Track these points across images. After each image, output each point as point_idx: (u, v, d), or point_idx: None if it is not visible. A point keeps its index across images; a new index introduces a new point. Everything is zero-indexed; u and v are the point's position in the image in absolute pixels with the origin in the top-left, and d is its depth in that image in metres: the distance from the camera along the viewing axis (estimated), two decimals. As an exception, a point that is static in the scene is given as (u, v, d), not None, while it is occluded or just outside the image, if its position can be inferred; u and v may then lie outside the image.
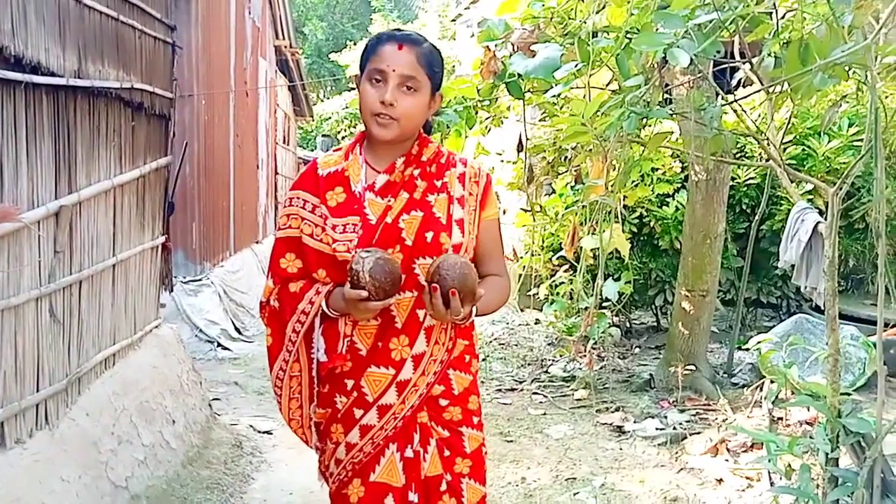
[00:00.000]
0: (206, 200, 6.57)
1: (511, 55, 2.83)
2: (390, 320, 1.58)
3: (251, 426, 4.02)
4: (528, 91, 3.14)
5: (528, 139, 3.58)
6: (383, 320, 1.58)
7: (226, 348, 5.86)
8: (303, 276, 1.62)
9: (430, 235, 1.57)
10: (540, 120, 4.49)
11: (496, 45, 2.91)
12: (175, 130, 3.81)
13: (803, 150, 5.01)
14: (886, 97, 3.82)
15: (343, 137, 18.01)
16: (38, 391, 2.31)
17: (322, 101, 20.80)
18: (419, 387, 1.60)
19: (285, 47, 10.76)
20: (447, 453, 1.63)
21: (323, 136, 18.70)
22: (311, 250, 1.59)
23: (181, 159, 5.04)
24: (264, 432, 3.96)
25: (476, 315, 1.63)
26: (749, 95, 2.95)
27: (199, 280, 6.27)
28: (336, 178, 1.63)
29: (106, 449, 2.59)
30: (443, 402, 1.63)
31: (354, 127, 17.54)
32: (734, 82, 3.44)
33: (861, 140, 4.69)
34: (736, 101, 2.66)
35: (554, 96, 3.19)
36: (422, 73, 1.56)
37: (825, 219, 2.74)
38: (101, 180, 2.79)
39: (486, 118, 3.53)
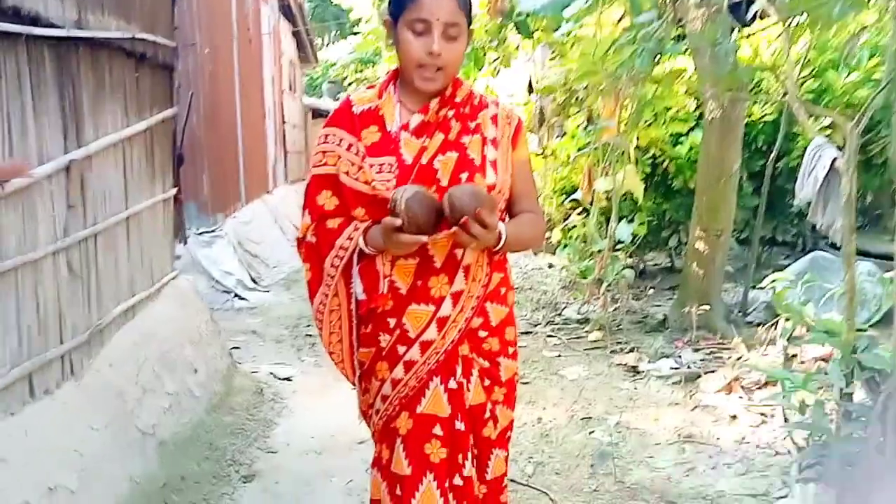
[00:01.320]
0: (214, 152, 6.54)
1: (520, -8, 2.75)
2: (429, 260, 1.60)
3: (271, 373, 4.10)
4: (538, 30, 3.07)
5: (538, 80, 3.51)
6: (422, 260, 1.60)
7: (242, 298, 5.93)
8: (340, 213, 1.63)
9: (464, 176, 1.57)
10: (550, 60, 4.39)
11: (504, -17, 2.83)
12: (180, 81, 3.77)
13: (821, 84, 4.88)
14: (909, 25, 3.69)
15: (350, 83, 17.74)
16: (62, 343, 2.36)
17: (327, 46, 20.43)
18: (458, 322, 1.62)
19: (288, -8, 10.51)
20: (487, 382, 1.69)
21: (329, 82, 18.43)
22: (347, 189, 1.60)
23: (188, 110, 5.00)
24: (284, 379, 4.04)
25: (513, 250, 1.67)
26: (766, 28, 2.86)
27: (213, 231, 6.31)
28: (371, 117, 1.62)
29: (131, 398, 2.66)
30: (482, 334, 1.67)
31: (361, 72, 17.26)
32: (750, 15, 3.33)
33: (881, 73, 4.56)
34: (753, 33, 2.58)
35: (564, 35, 3.11)
36: (462, 18, 1.55)
37: (843, 154, 2.69)
38: (109, 133, 2.77)
39: (495, 59, 3.46)
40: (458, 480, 1.65)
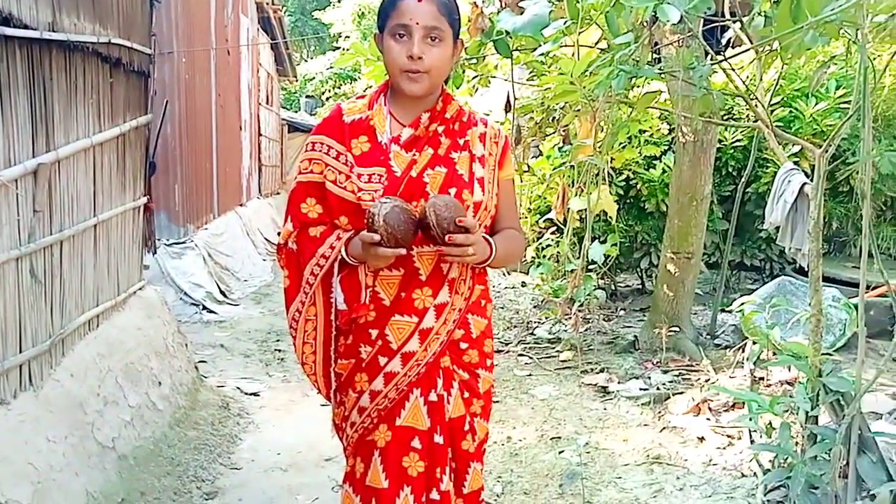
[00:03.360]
0: (188, 162, 6.47)
1: (499, 12, 2.78)
2: (414, 272, 1.60)
3: (238, 388, 4.03)
4: (516, 49, 3.09)
5: (515, 99, 3.53)
6: (407, 272, 1.60)
7: (211, 311, 5.84)
8: (323, 221, 1.64)
9: (453, 192, 1.59)
10: (528, 79, 4.43)
11: (483, 2, 2.85)
12: (155, 89, 3.73)
13: (791, 111, 5.00)
14: (875, 59, 3.80)
15: (328, 98, 17.74)
16: (20, 352, 2.29)
17: (306, 60, 20.42)
18: (441, 335, 1.63)
19: (267, 4, 10.51)
20: (466, 395, 1.70)
21: (307, 97, 18.42)
22: (333, 197, 1.61)
23: (162, 119, 4.95)
24: (251, 394, 3.98)
25: (499, 265, 1.69)
26: (739, 54, 2.92)
27: (183, 243, 6.21)
28: (361, 127, 1.63)
29: (92, 410, 2.59)
30: (463, 346, 1.68)
31: (339, 87, 17.28)
32: (724, 42, 3.41)
33: (848, 103, 4.68)
34: (725, 59, 2.63)
35: (542, 55, 3.14)
36: (444, 23, 1.56)
37: (811, 180, 2.74)
38: (80, 138, 2.72)
39: (474, 77, 3.48)
40: (434, 495, 1.64)
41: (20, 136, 2.30)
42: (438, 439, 1.64)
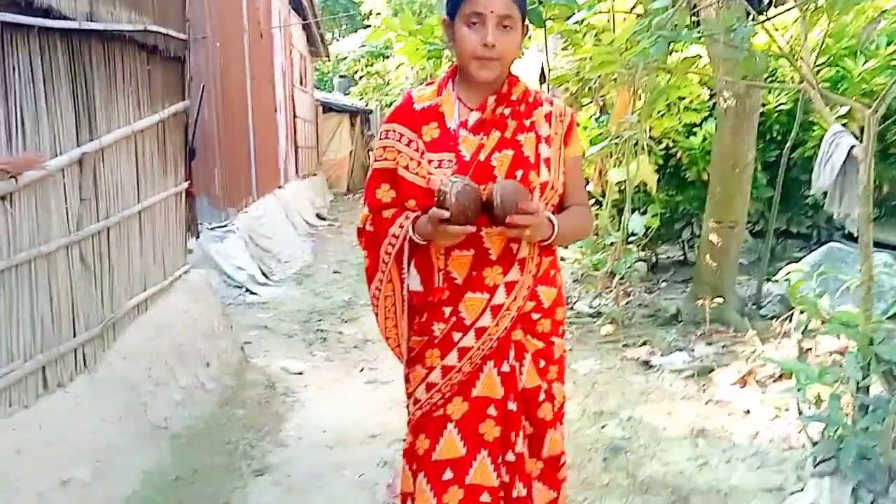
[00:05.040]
0: (226, 146, 6.55)
1: (531, -19, 2.72)
2: (485, 252, 1.66)
3: (283, 368, 4.11)
4: (549, 18, 3.03)
5: (550, 70, 3.48)
6: (477, 252, 1.65)
7: (254, 293, 5.95)
8: (395, 204, 1.71)
9: (519, 173, 1.63)
10: (562, 49, 4.35)
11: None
12: (191, 74, 3.77)
13: (838, 71, 4.80)
14: (929, 12, 3.62)
15: (360, 77, 17.73)
16: (74, 336, 2.37)
17: (338, 40, 20.41)
18: (511, 310, 1.68)
19: (298, -15, 10.51)
20: (542, 364, 1.74)
21: (340, 76, 18.44)
22: (405, 182, 1.67)
23: (199, 104, 5.01)
24: (296, 373, 4.05)
25: (564, 242, 1.76)
26: (782, 12, 2.82)
27: (225, 226, 6.32)
28: (431, 113, 1.69)
29: (144, 391, 2.67)
30: (535, 316, 1.73)
31: (371, 66, 17.24)
32: (766, 1, 3.28)
33: (900, 60, 4.48)
34: (768, 18, 2.54)
35: (576, 23, 3.08)
36: (515, 10, 1.60)
37: (860, 142, 2.64)
38: (121, 126, 2.78)
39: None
40: (510, 457, 1.70)
41: (64, 126, 2.35)
42: (512, 406, 1.69)
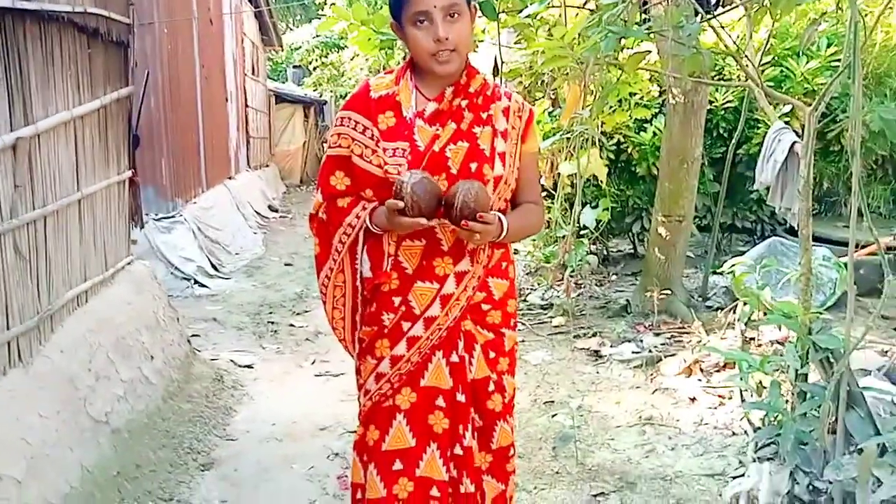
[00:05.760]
0: (174, 135, 6.38)
1: (484, -28, 2.71)
2: (437, 243, 1.66)
3: (231, 361, 4.03)
4: (503, 12, 3.03)
5: (503, 63, 3.48)
6: (429, 242, 1.66)
7: (203, 285, 5.82)
8: (350, 192, 1.71)
9: (474, 166, 1.63)
10: (515, 43, 4.37)
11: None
12: (136, 60, 3.65)
13: (781, 70, 4.95)
14: (865, 15, 3.75)
15: (315, 68, 17.49)
16: (8, 329, 2.27)
17: (291, 29, 20.08)
18: (461, 300, 1.69)
19: (250, -28, 10.29)
20: (492, 355, 1.75)
21: (294, 66, 18.14)
22: (359, 170, 1.67)
23: (143, 90, 4.86)
24: (245, 366, 3.98)
25: (514, 240, 1.78)
26: (728, 11, 2.88)
27: (172, 217, 6.16)
28: (387, 102, 1.68)
29: (84, 385, 2.58)
30: (485, 307, 1.73)
31: (326, 56, 17.02)
32: (713, 0, 3.35)
33: (839, 60, 4.64)
34: (715, 17, 2.59)
35: (529, 17, 3.09)
36: None
37: (801, 139, 2.72)
38: (59, 111, 2.67)
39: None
40: (458, 450, 1.71)
41: (-4, 109, 2.25)
42: (461, 398, 1.70)
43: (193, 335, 4.32)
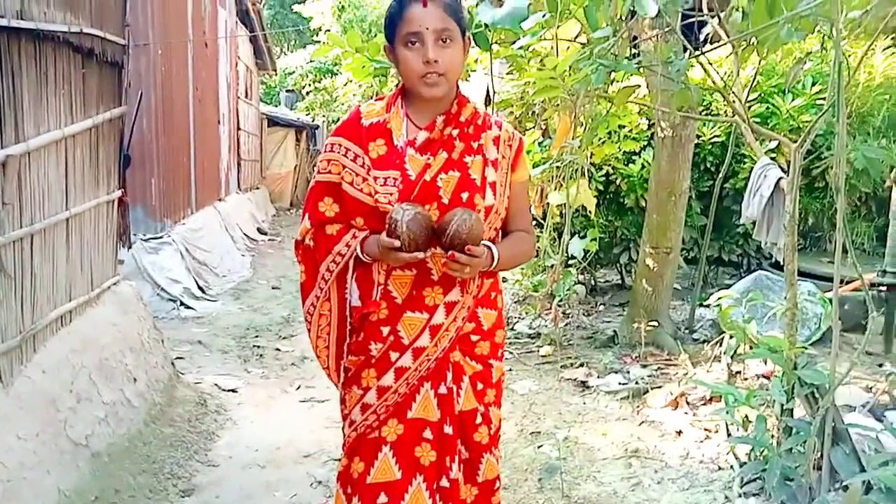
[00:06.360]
0: (165, 156, 6.38)
1: (477, 4, 2.76)
2: (427, 272, 1.64)
3: (216, 384, 3.99)
4: (496, 43, 3.08)
5: (495, 93, 3.53)
6: (419, 272, 1.64)
7: (189, 307, 5.77)
8: (339, 220, 1.68)
9: (465, 196, 1.62)
10: (507, 73, 4.43)
11: (463, -5, 2.83)
12: (130, 81, 3.66)
13: (768, 107, 5.04)
14: (849, 55, 3.85)
15: (308, 92, 17.60)
16: (-11, 348, 2.24)
17: (286, 54, 20.22)
18: (450, 331, 1.67)
19: (246, -3, 10.40)
20: (480, 386, 1.73)
21: (287, 91, 18.24)
22: (349, 198, 1.65)
23: (136, 111, 4.87)
24: (229, 390, 3.93)
25: (504, 269, 1.74)
26: (716, 48, 2.94)
27: (160, 238, 6.13)
28: (378, 129, 1.66)
29: (64, 406, 2.54)
30: (473, 338, 1.72)
31: (319, 81, 17.14)
32: (702, 37, 3.42)
33: (824, 99, 4.74)
34: (703, 53, 2.64)
35: (522, 48, 3.14)
36: (452, 23, 1.59)
37: (787, 175, 2.77)
38: (51, 130, 2.67)
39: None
40: (444, 483, 1.68)
41: (-12, 127, 2.24)
42: (448, 430, 1.67)
43: (178, 358, 4.27)
